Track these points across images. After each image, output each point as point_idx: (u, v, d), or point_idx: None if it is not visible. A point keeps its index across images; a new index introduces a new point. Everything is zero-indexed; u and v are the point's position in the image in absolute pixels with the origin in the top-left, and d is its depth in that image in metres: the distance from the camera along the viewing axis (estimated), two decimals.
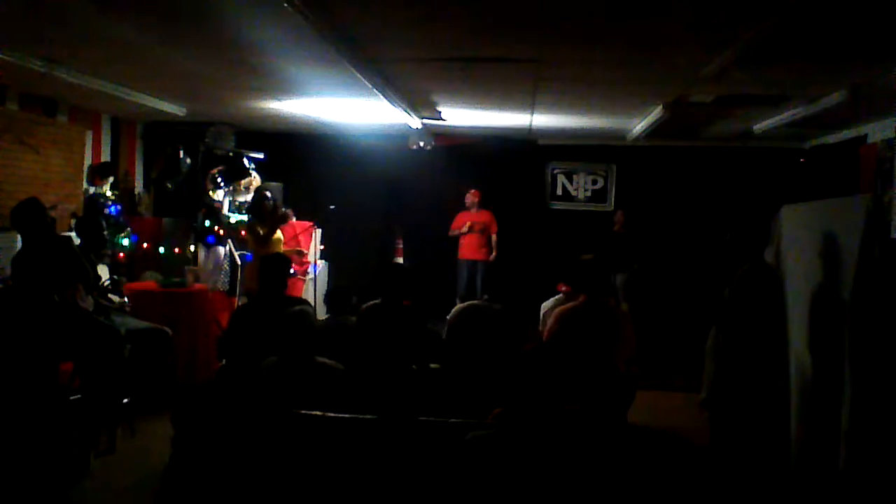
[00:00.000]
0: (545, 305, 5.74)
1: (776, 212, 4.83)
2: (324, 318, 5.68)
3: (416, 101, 7.64)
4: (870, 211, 3.33)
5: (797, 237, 4.44)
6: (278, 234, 7.38)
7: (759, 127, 8.54)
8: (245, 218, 8.19)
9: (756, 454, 4.27)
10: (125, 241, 7.81)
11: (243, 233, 7.92)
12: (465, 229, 9.72)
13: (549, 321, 4.75)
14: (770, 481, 4.24)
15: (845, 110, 6.86)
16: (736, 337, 4.37)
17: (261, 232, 7.04)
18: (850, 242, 3.53)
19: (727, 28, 4.48)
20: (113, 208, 7.87)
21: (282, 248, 7.17)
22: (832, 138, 9.03)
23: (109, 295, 5.58)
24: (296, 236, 8.43)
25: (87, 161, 8.32)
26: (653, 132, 8.65)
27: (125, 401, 5.31)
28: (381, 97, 6.81)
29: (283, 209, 7.90)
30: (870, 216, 3.31)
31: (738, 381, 4.31)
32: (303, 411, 3.52)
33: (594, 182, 10.85)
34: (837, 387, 3.53)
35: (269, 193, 7.41)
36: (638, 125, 8.66)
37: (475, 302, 5.34)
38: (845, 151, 8.52)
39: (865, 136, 8.16)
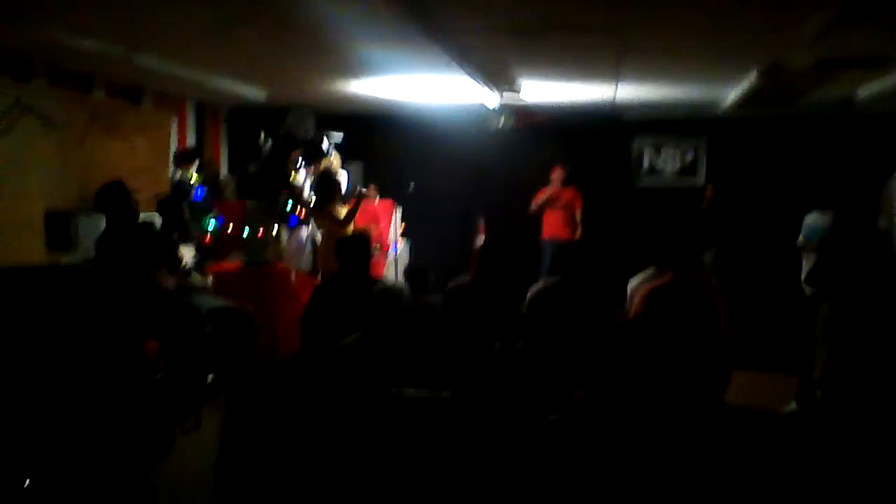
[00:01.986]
0: (632, 283, 5.49)
1: (885, 181, 4.46)
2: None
3: (495, 75, 7.45)
4: None
5: None
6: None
7: (864, 91, 7.97)
8: None
9: (872, 436, 3.96)
10: (211, 225, 7.91)
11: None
12: (544, 197, 9.50)
13: (635, 300, 4.53)
14: (885, 467, 3.92)
15: None
16: (851, 312, 4.05)
17: (340, 215, 7.01)
18: None
19: None
20: (198, 192, 7.99)
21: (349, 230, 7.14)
22: None
23: (192, 276, 5.64)
24: (376, 216, 8.40)
25: (173, 147, 8.47)
26: (746, 102, 8.19)
27: (209, 379, 5.36)
28: (459, 71, 6.65)
29: (361, 188, 7.86)
30: None
31: (855, 359, 4.01)
32: (382, 389, 3.44)
33: (684, 156, 10.40)
34: None
35: (336, 175, 7.38)
36: (731, 94, 8.23)
37: (556, 279, 5.15)
38: None
39: None
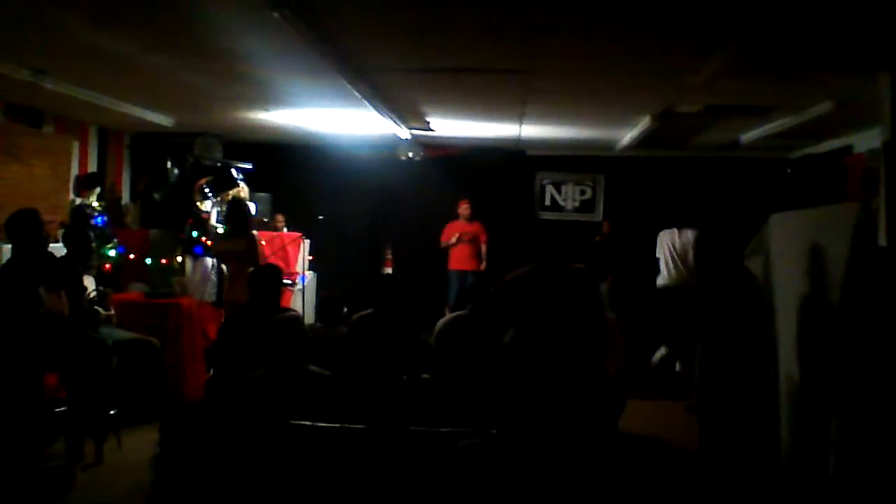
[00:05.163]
0: None
1: (764, 221, 4.85)
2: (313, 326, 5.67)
3: (405, 112, 7.65)
4: (858, 219, 3.34)
5: (786, 246, 4.46)
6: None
7: (747, 137, 8.58)
8: None
9: (745, 460, 4.27)
10: (112, 253, 7.73)
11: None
12: (453, 241, 9.73)
13: None
14: (759, 488, 4.24)
15: (832, 120, 6.90)
16: (717, 342, 4.40)
17: (247, 246, 6.97)
18: (838, 250, 3.54)
19: (715, 38, 4.51)
20: (99, 219, 7.80)
21: None
22: (819, 148, 9.09)
23: (95, 307, 5.52)
24: (283, 247, 8.39)
25: (74, 172, 8.27)
26: (640, 143, 8.68)
27: (112, 412, 5.25)
28: (371, 108, 6.80)
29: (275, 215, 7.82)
30: (858, 224, 3.33)
31: (721, 387, 4.34)
32: (293, 421, 3.50)
33: (582, 192, 10.88)
34: (826, 394, 3.53)
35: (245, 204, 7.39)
36: (626, 136, 8.69)
37: (463, 312, 5.32)
38: (832, 161, 8.57)
39: (851, 146, 8.22)
